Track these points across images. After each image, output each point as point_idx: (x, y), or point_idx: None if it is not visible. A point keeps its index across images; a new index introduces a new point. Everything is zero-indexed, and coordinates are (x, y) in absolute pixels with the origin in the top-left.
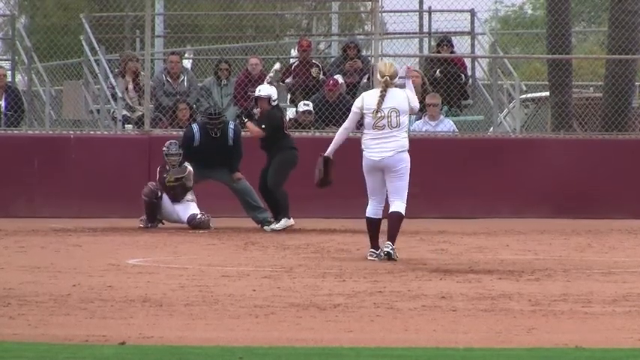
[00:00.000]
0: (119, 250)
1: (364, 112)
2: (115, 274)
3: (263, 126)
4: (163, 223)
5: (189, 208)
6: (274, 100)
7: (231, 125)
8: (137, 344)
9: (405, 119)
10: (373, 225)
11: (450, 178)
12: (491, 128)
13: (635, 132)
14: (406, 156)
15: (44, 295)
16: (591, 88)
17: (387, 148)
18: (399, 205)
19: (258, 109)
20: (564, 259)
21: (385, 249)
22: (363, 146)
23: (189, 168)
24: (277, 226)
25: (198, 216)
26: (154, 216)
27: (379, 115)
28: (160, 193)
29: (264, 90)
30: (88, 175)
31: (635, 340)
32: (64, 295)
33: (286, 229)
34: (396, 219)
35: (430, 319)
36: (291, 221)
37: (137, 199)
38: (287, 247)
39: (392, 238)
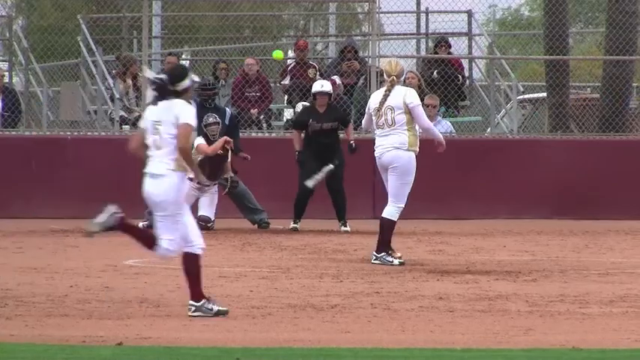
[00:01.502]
0: (116, 251)
1: (370, 111)
2: (112, 275)
3: (350, 124)
4: None
5: (212, 205)
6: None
7: (228, 109)
8: (134, 345)
9: (401, 117)
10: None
11: (447, 179)
12: (489, 129)
13: (633, 133)
14: (404, 154)
15: (41, 295)
16: (588, 89)
17: (384, 145)
18: (387, 210)
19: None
20: (561, 260)
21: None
22: None
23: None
24: (348, 227)
25: (210, 224)
26: None
27: (380, 113)
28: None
29: (327, 86)
30: (85, 176)
31: (632, 341)
32: (61, 296)
33: (285, 230)
34: (381, 225)
35: (427, 320)
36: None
37: (135, 200)
38: (284, 248)
39: (377, 245)
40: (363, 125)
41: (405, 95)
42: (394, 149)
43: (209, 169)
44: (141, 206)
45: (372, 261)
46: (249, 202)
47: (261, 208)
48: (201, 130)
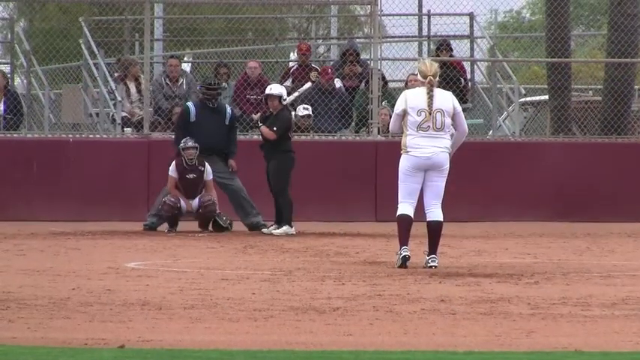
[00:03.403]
0: (118, 253)
1: (409, 110)
2: (114, 277)
3: (275, 128)
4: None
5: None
6: (284, 100)
7: (229, 107)
8: (136, 348)
9: (449, 121)
10: (407, 223)
11: (448, 181)
12: (491, 132)
13: (635, 135)
14: (448, 157)
15: (43, 298)
16: (590, 92)
17: (435, 146)
18: (438, 212)
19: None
20: (563, 263)
21: (431, 263)
22: (404, 147)
23: (209, 168)
24: (277, 231)
25: (209, 197)
26: (176, 222)
27: (430, 116)
28: (179, 204)
29: (275, 89)
30: (87, 178)
31: (634, 344)
32: (63, 299)
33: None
34: (437, 228)
35: (429, 323)
36: (293, 230)
37: (136, 203)
38: (286, 251)
39: (435, 248)
40: (391, 128)
41: (454, 100)
42: (443, 152)
43: (184, 191)
44: (142, 208)
45: (434, 264)
46: (245, 205)
47: (256, 209)
48: (178, 153)
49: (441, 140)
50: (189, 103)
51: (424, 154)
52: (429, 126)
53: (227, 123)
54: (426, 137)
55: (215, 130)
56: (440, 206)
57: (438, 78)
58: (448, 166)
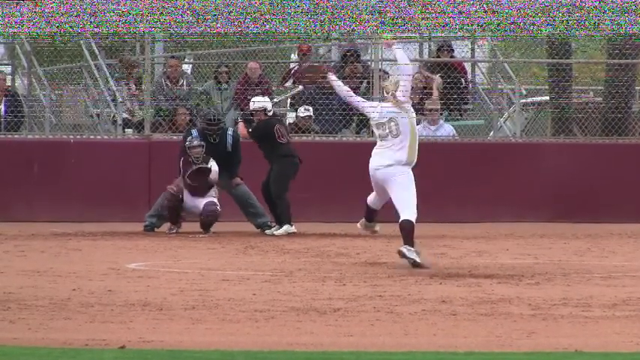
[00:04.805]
0: (119, 254)
1: (372, 123)
2: (115, 278)
3: (250, 130)
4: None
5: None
6: (269, 111)
7: (230, 132)
8: (137, 348)
9: (405, 128)
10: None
11: (449, 182)
12: (492, 133)
13: (635, 136)
14: (392, 171)
15: (44, 299)
16: (591, 93)
17: (382, 160)
18: (406, 214)
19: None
20: (564, 264)
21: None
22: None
23: (215, 167)
24: (278, 232)
25: (214, 206)
26: (177, 218)
27: (383, 126)
28: (181, 195)
29: (258, 103)
30: (87, 179)
31: (634, 345)
32: (64, 299)
33: (287, 234)
34: (407, 227)
35: (430, 324)
36: (293, 228)
37: (137, 204)
38: (287, 252)
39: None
40: (344, 94)
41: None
42: (386, 168)
43: (190, 189)
44: (143, 209)
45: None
46: (251, 204)
47: (263, 210)
48: (184, 152)
49: (391, 153)
50: (193, 130)
51: (371, 166)
52: (387, 133)
53: (229, 149)
54: (380, 149)
55: (217, 160)
56: (405, 209)
57: (396, 89)
58: (398, 176)
